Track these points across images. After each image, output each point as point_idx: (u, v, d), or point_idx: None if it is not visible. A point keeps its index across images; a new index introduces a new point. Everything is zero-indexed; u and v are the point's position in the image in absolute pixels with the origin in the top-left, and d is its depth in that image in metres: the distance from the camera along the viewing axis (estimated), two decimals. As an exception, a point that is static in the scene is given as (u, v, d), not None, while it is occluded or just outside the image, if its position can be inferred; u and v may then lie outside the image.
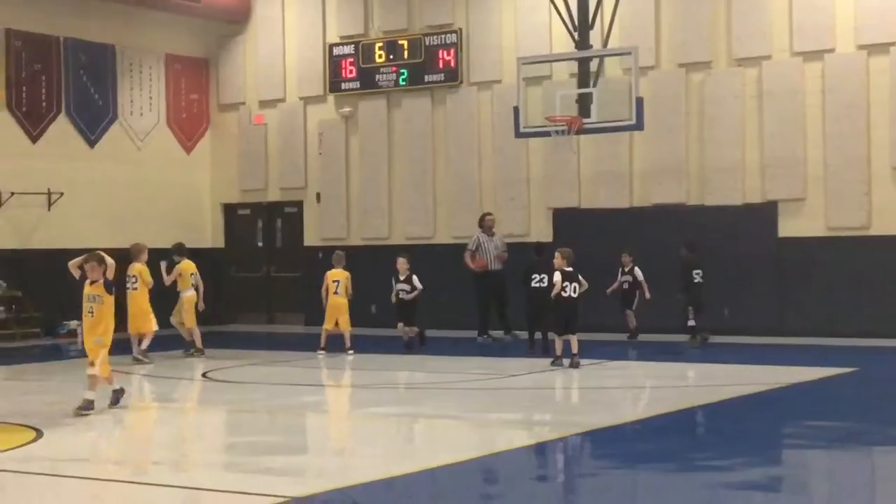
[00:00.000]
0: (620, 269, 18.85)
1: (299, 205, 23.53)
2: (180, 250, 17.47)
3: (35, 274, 20.18)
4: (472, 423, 10.79)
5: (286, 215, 23.83)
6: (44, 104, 21.49)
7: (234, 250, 24.34)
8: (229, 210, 24.44)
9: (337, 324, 17.25)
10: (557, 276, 14.80)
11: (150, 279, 16.50)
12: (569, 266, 14.81)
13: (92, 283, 11.29)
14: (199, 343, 17.05)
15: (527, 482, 8.30)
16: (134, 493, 7.72)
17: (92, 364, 11.20)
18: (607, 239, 19.37)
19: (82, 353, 16.99)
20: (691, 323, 17.92)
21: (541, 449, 9.64)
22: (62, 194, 21.38)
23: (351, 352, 17.00)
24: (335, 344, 17.31)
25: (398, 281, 17.29)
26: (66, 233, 21.16)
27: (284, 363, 16.63)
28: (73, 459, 8.97)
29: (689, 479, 8.13)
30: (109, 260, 11.38)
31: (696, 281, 17.81)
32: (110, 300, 11.33)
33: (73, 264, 11.59)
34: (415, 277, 17.27)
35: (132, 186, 22.61)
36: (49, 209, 21.31)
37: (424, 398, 12.73)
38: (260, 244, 24.20)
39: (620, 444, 9.63)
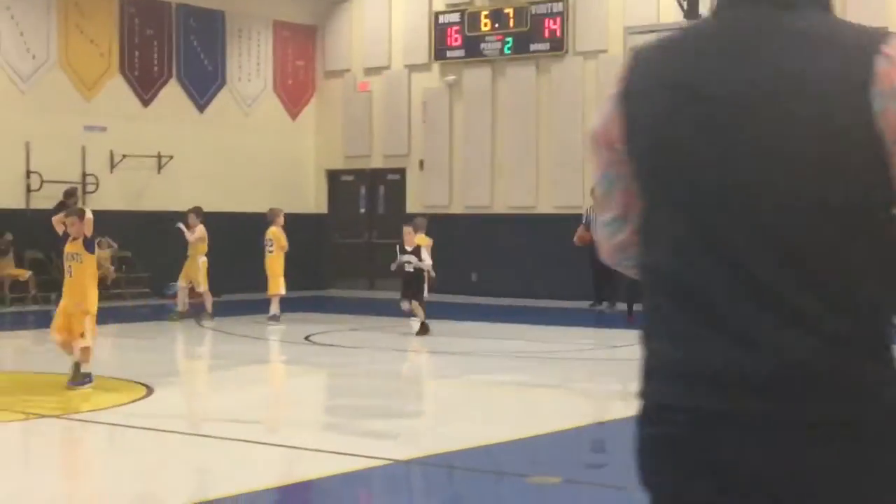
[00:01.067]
0: None
1: (402, 172, 23.66)
2: (198, 212, 17.45)
3: (144, 235, 20.64)
4: (573, 392, 10.79)
5: (389, 182, 23.98)
6: (155, 69, 21.91)
7: (337, 216, 24.59)
8: (333, 176, 24.68)
9: None
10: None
11: (285, 243, 16.81)
12: None
13: (73, 240, 10.29)
14: (209, 307, 17.08)
15: (626, 453, 8.28)
16: (237, 450, 7.89)
17: (82, 335, 10.03)
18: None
19: (189, 314, 17.44)
20: None
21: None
22: (171, 157, 21.81)
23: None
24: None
25: (403, 251, 15.46)
26: (175, 195, 21.59)
27: (384, 328, 16.79)
28: (180, 416, 9.20)
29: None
30: (89, 215, 10.40)
31: None
32: (91, 259, 10.35)
33: (56, 220, 10.66)
34: (424, 250, 15.42)
35: (238, 151, 22.95)
36: (159, 172, 21.76)
37: (525, 367, 12.76)
38: (362, 210, 24.41)
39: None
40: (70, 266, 10.26)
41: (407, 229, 15.60)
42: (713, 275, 2.00)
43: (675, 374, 2.04)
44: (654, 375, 2.10)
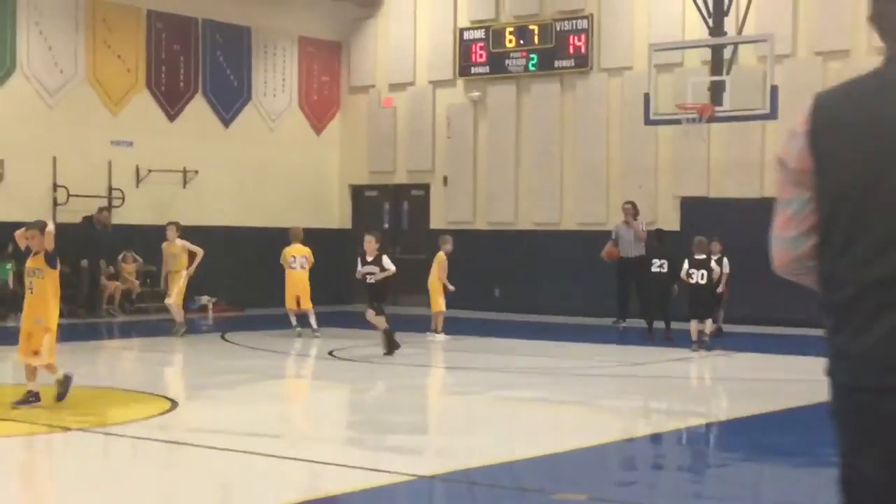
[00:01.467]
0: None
1: (426, 188, 23.70)
2: (177, 226, 17.39)
3: (169, 249, 20.69)
4: (596, 408, 10.76)
5: (413, 198, 24.02)
6: (182, 84, 22.06)
7: (361, 231, 24.53)
8: (357, 191, 24.75)
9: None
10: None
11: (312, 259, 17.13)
12: (701, 254, 15.42)
13: (34, 255, 9.91)
14: (179, 318, 17.03)
15: (651, 471, 8.25)
16: (260, 465, 7.91)
17: (36, 353, 9.78)
18: (735, 229, 19.05)
19: (213, 328, 17.48)
20: None
21: (666, 437, 9.57)
22: (197, 172, 21.93)
23: (435, 335, 17.03)
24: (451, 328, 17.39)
25: (364, 262, 14.92)
26: (200, 210, 21.72)
27: (407, 343, 16.79)
28: (205, 430, 9.23)
29: (817, 473, 7.98)
30: (50, 227, 10.02)
31: None
32: (53, 274, 9.92)
33: (18, 234, 10.31)
34: (385, 258, 14.93)
35: (263, 166, 23.06)
36: (184, 186, 21.88)
37: (548, 383, 12.74)
38: (386, 226, 24.45)
39: (749, 436, 9.50)
40: (31, 282, 9.90)
41: (368, 238, 15.07)
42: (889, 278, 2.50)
43: (863, 359, 2.58)
44: (844, 361, 2.65)
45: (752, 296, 18.32)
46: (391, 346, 14.56)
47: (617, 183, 21.23)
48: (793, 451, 8.69)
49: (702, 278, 15.36)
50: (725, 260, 17.05)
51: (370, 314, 14.77)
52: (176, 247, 16.97)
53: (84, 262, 19.92)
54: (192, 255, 17.04)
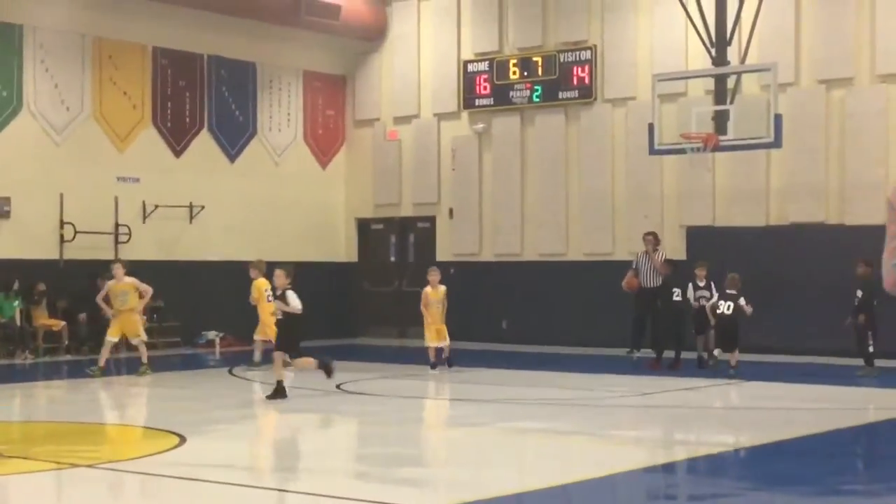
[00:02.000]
0: (694, 285, 17.69)
1: (432, 220, 23.73)
2: (124, 264, 16.87)
3: (176, 284, 20.76)
4: (606, 439, 10.72)
5: (419, 230, 24.05)
6: (187, 120, 22.15)
7: (367, 264, 24.66)
8: (363, 225, 24.78)
9: (440, 336, 17.32)
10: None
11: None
12: (733, 289, 16.41)
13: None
14: (145, 358, 16.55)
15: (662, 501, 8.21)
16: (269, 499, 7.88)
17: None
18: (742, 258, 19.05)
19: (221, 363, 17.42)
20: (871, 349, 16.42)
21: (674, 467, 9.53)
22: (203, 207, 21.98)
23: (449, 367, 17.11)
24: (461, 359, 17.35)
25: (275, 296, 13.75)
26: (207, 245, 21.77)
27: (415, 377, 16.77)
28: (214, 465, 9.20)
29: (828, 502, 7.93)
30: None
31: (875, 302, 16.24)
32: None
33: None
34: (289, 293, 13.33)
35: (269, 201, 23.11)
36: (191, 222, 21.92)
37: (557, 414, 12.70)
38: (392, 259, 24.47)
39: (758, 466, 9.45)
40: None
41: (278, 272, 13.54)
42: None
43: None
44: None
45: (758, 324, 18.30)
46: (277, 394, 13.42)
47: (623, 212, 21.24)
48: (804, 480, 8.64)
49: (728, 310, 16.30)
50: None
51: (277, 357, 13.51)
52: (126, 284, 16.39)
53: (83, 316, 19.79)
54: (141, 295, 16.52)
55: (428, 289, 17.52)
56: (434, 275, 17.66)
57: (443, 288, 17.46)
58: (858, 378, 15.96)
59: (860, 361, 16.55)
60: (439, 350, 17.30)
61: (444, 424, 12.76)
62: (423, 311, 17.47)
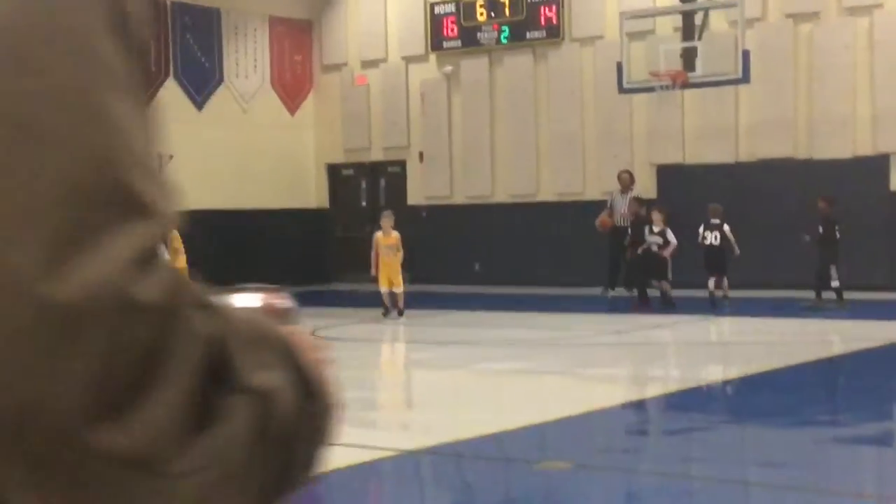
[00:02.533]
0: (649, 229, 17.44)
1: (402, 164, 23.67)
2: None
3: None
4: (580, 377, 10.81)
5: (389, 175, 23.99)
6: (153, 68, 21.87)
7: (339, 211, 24.60)
8: (333, 171, 24.69)
9: (391, 283, 16.66)
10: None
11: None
12: (716, 218, 16.79)
13: None
14: None
15: (635, 437, 8.31)
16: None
17: None
18: (712, 195, 19.11)
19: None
20: (836, 283, 16.51)
21: (649, 403, 9.63)
22: (171, 157, 21.76)
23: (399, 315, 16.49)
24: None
25: None
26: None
27: (389, 322, 16.80)
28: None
29: (801, 434, 8.05)
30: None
31: (837, 237, 16.48)
32: None
33: None
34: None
35: (238, 149, 22.97)
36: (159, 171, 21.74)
37: (530, 354, 12.78)
38: (364, 204, 24.41)
39: (731, 399, 9.57)
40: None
41: None
42: None
43: None
44: None
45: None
46: None
47: (593, 152, 21.25)
48: (777, 412, 8.75)
49: (715, 240, 16.72)
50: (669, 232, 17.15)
51: None
52: None
53: None
54: None
55: (379, 234, 17.09)
56: (387, 220, 17.03)
57: (395, 234, 16.76)
58: (823, 310, 16.09)
59: (824, 295, 16.63)
60: (392, 295, 16.94)
61: (420, 367, 12.83)
62: (373, 257, 16.98)
